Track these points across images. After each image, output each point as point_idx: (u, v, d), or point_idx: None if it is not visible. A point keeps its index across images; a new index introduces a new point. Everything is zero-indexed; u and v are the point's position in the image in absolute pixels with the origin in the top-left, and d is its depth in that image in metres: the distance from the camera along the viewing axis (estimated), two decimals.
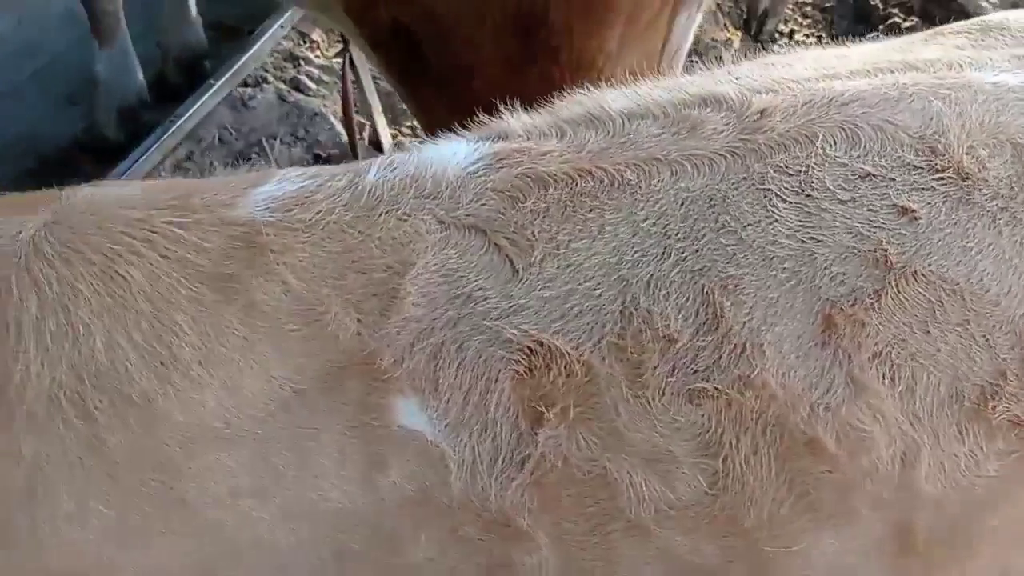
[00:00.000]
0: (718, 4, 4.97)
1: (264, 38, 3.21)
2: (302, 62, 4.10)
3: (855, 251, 1.08)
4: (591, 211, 1.11)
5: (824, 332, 1.06)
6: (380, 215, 1.10)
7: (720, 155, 1.14)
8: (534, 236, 1.08)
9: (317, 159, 3.94)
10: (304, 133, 3.99)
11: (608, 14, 1.85)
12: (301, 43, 4.10)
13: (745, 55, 4.62)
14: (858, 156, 1.14)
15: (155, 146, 2.83)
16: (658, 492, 1.04)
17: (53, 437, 0.98)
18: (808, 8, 5.11)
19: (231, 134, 3.78)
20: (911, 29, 4.86)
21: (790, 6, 4.95)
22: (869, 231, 1.09)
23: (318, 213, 1.09)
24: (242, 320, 1.02)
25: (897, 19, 4.89)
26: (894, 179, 1.13)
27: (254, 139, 3.74)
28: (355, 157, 3.40)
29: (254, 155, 3.70)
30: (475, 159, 1.16)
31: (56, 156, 3.12)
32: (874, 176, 1.13)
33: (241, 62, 3.10)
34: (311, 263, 1.05)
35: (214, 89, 3.00)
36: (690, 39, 1.96)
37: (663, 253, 1.08)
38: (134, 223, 1.07)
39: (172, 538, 1.01)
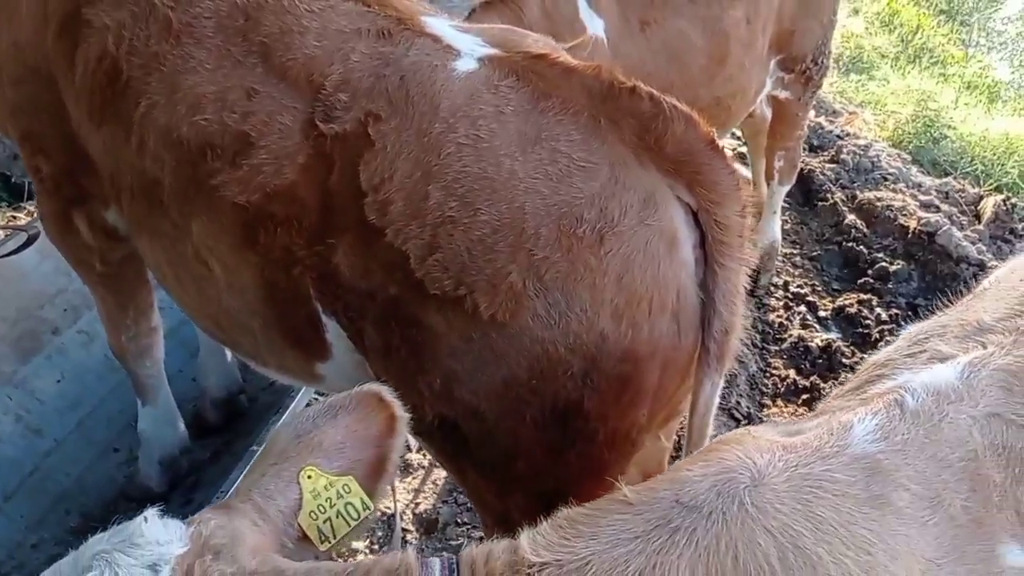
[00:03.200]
0: None
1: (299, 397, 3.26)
2: None
3: None
4: None
5: None
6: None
7: None
8: None
9: None
10: None
11: (637, 397, 1.99)
12: None
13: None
14: None
15: None
16: None
17: None
18: (797, 259, 5.39)
19: None
20: (898, 272, 5.12)
21: (779, 259, 5.24)
22: None
23: None
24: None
25: (884, 263, 5.16)
26: None
27: None
28: None
29: None
30: None
31: (101, 509, 3.19)
32: None
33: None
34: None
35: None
36: (716, 400, 2.09)
37: None
38: None
39: None
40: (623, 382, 1.94)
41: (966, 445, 1.56)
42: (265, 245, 2.05)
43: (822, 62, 4.45)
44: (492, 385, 1.95)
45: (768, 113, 4.70)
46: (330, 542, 1.50)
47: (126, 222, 2.46)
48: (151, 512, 1.42)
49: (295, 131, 2.00)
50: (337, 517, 1.48)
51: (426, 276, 1.90)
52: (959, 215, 5.60)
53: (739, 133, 5.63)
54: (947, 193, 5.81)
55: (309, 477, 1.48)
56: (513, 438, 2.00)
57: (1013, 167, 6.31)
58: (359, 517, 1.50)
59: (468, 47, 2.01)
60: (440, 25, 2.07)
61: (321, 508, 1.47)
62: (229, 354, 3.54)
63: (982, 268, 5.07)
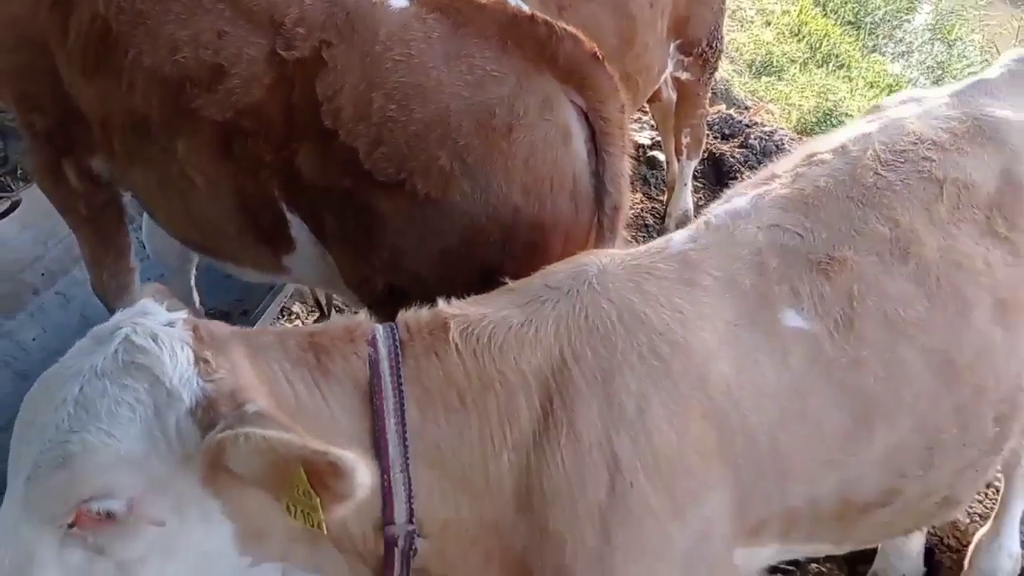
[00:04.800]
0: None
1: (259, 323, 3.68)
2: None
3: None
4: None
5: None
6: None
7: None
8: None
9: None
10: None
11: (545, 263, 2.46)
12: (280, 318, 4.63)
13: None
14: None
15: None
16: None
17: None
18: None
19: None
20: None
21: None
22: None
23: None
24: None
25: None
26: None
27: None
28: None
29: None
30: None
31: None
32: None
33: None
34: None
35: None
36: None
37: None
38: None
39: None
40: (533, 249, 2.43)
41: (753, 244, 2.11)
42: (238, 154, 2.50)
43: (716, 45, 5.05)
44: (430, 254, 2.43)
45: (674, 96, 5.29)
46: None
47: (116, 162, 2.87)
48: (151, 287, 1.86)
49: (260, 60, 2.46)
50: None
51: (373, 167, 2.38)
52: None
53: (654, 122, 6.22)
54: None
55: None
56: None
57: None
58: None
59: None
60: None
61: None
62: (197, 302, 3.94)
63: None
